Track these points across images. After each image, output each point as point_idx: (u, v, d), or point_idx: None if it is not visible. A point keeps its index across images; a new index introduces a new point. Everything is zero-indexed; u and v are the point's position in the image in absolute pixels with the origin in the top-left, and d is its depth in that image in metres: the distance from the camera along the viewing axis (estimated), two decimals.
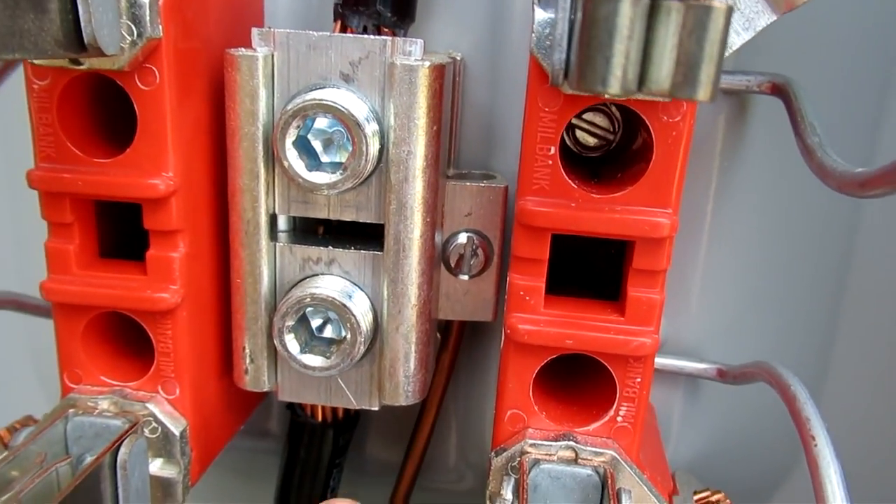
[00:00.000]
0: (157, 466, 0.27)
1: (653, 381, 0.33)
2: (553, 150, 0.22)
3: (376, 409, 0.28)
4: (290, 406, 0.33)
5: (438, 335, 0.32)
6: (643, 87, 0.16)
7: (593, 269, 0.27)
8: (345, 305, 0.26)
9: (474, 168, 0.32)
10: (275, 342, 0.27)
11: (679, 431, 0.34)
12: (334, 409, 0.33)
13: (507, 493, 0.23)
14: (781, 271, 0.32)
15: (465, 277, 0.30)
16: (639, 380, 0.24)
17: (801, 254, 0.32)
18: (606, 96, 0.17)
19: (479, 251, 0.29)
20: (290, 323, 0.26)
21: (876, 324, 0.33)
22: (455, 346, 0.32)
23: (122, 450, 0.24)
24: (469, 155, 0.32)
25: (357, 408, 0.28)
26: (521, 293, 0.24)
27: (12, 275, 0.37)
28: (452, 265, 0.29)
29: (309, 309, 0.26)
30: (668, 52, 0.16)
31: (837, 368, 0.34)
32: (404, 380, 0.27)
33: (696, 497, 0.30)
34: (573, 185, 0.23)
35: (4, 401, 0.34)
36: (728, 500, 0.30)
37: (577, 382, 0.28)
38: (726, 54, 0.19)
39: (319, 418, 0.33)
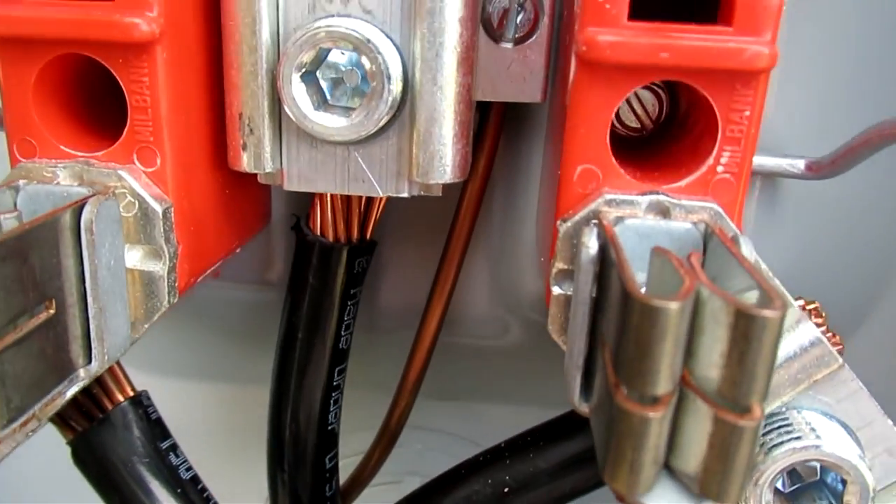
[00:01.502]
0: (135, 258, 0.21)
1: None
2: None
3: (405, 194, 0.23)
4: (296, 225, 0.28)
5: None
6: None
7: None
8: (369, 41, 0.20)
9: None
10: (281, 96, 0.21)
11: (754, 242, 0.29)
12: (348, 226, 0.27)
13: (591, 241, 0.17)
14: (875, 54, 0.27)
15: (509, 45, 0.24)
16: (747, 113, 0.19)
17: None
18: None
19: (527, 4, 0.24)
20: (303, 62, 0.21)
21: None
22: (493, 139, 0.27)
23: (87, 207, 0.19)
24: None
25: (381, 194, 0.23)
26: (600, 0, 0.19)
27: None
28: (495, 25, 0.24)
29: (323, 47, 0.21)
30: None
31: None
32: (441, 149, 0.22)
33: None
34: None
35: None
36: (824, 313, 0.25)
37: (655, 153, 0.23)
38: None
39: (331, 237, 0.27)
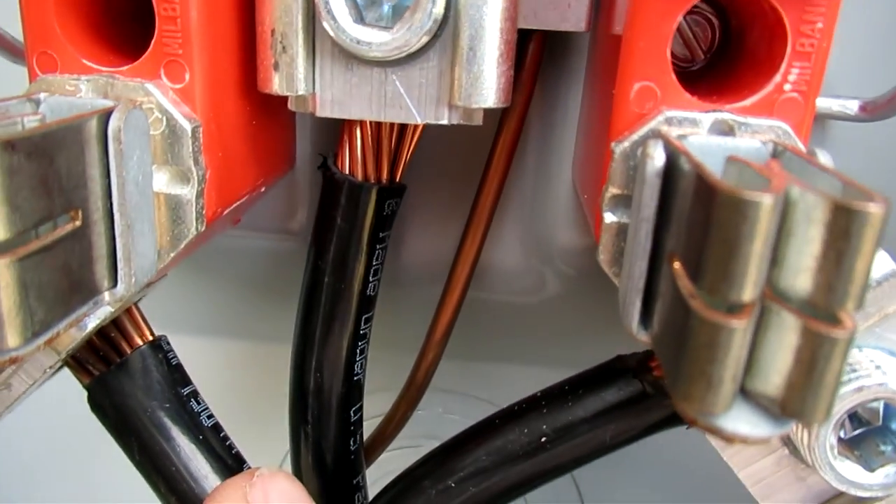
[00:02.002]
0: (162, 181, 0.20)
1: None
2: None
3: (445, 121, 0.22)
4: (323, 164, 0.27)
5: None
6: None
7: None
8: None
9: None
10: (318, 8, 0.20)
11: None
12: (378, 168, 0.26)
13: (657, 153, 0.16)
14: None
15: None
16: (820, 25, 0.18)
17: None
18: None
19: None
20: None
21: None
22: (534, 71, 0.25)
23: (115, 115, 0.17)
24: None
25: (419, 121, 0.22)
26: None
27: None
28: None
29: None
30: None
31: None
32: (485, 70, 0.20)
33: None
34: None
35: None
36: None
37: (715, 77, 0.21)
38: None
39: (360, 176, 0.26)
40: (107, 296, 0.18)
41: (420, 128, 0.26)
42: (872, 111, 0.25)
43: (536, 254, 0.31)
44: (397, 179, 0.27)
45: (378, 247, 0.27)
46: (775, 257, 0.14)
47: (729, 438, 0.14)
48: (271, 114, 0.25)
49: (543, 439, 0.24)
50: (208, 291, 0.35)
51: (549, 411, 0.24)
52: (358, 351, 0.28)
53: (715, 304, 0.13)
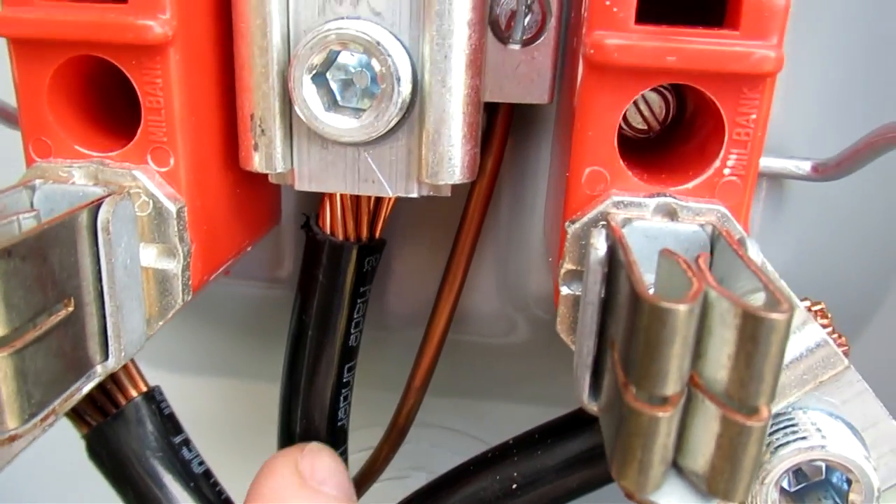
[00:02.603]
0: (150, 257, 0.22)
1: None
2: None
3: (414, 194, 0.23)
4: (306, 224, 0.28)
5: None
6: None
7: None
8: (379, 44, 0.21)
9: None
10: (292, 97, 0.21)
11: (760, 243, 0.29)
12: (357, 224, 0.28)
13: (600, 243, 0.18)
14: (878, 53, 0.27)
15: (517, 46, 0.24)
16: (754, 116, 0.19)
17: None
18: None
19: (535, 5, 0.24)
20: (313, 64, 0.21)
21: None
22: (501, 140, 0.27)
23: (104, 207, 0.19)
24: None
25: (391, 194, 0.23)
26: (608, 4, 0.19)
27: None
28: (502, 27, 0.24)
29: (333, 49, 0.21)
30: None
31: None
32: (450, 150, 0.22)
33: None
34: None
35: None
36: (829, 314, 0.25)
37: (663, 155, 0.23)
38: None
39: (341, 236, 0.28)
40: (99, 369, 0.20)
41: None
42: (823, 172, 0.26)
43: (510, 300, 0.32)
44: (377, 236, 0.28)
45: (359, 301, 0.28)
46: (699, 350, 0.15)
47: None
48: (255, 181, 0.26)
49: (514, 486, 0.26)
50: (202, 333, 0.36)
51: (520, 459, 0.26)
52: (342, 398, 0.29)
53: (642, 395, 0.15)
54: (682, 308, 0.14)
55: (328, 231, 0.28)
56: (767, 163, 0.27)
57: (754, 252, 0.18)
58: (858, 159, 0.24)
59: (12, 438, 0.17)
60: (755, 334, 0.14)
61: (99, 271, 0.19)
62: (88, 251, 0.19)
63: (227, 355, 0.37)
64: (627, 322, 0.15)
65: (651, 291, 0.14)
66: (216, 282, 0.33)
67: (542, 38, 0.24)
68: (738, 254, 0.17)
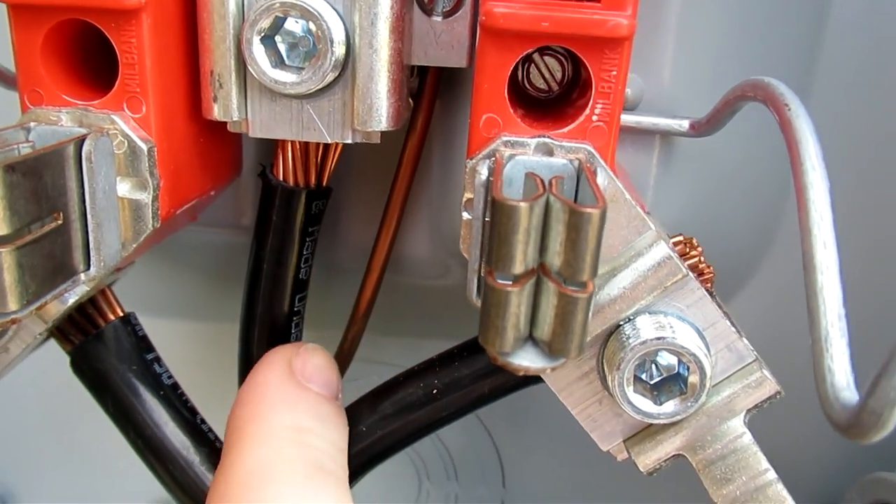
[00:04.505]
0: (125, 188, 0.26)
1: (625, 143, 0.33)
2: None
3: (349, 140, 0.28)
4: (262, 173, 0.33)
5: (413, 86, 0.31)
6: None
7: None
8: (315, 11, 0.25)
9: None
10: (244, 55, 0.26)
11: (653, 197, 0.34)
12: (306, 172, 0.32)
13: (483, 169, 0.22)
14: (759, 27, 0.32)
15: (439, 18, 0.29)
16: (614, 73, 0.24)
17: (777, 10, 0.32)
18: None
19: None
20: (262, 28, 0.25)
21: (853, 81, 0.33)
22: (430, 98, 0.31)
23: (87, 141, 0.23)
24: None
25: (329, 140, 0.28)
26: None
27: None
28: (426, 1, 0.29)
29: (279, 20, 0.25)
30: None
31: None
32: (377, 102, 0.27)
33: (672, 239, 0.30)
34: None
35: None
36: (700, 247, 0.30)
37: (556, 107, 0.28)
38: None
39: (292, 182, 0.32)
40: (82, 276, 0.24)
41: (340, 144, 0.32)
42: (698, 129, 0.31)
43: (443, 245, 0.37)
44: (324, 184, 0.33)
45: (308, 239, 0.33)
46: (544, 244, 0.20)
47: (516, 370, 0.20)
48: (217, 132, 0.31)
49: (434, 391, 0.30)
50: (171, 277, 0.41)
51: (440, 370, 0.31)
52: (293, 325, 0.34)
53: (500, 277, 0.20)
54: (523, 205, 0.19)
55: (281, 178, 0.32)
56: (655, 121, 0.32)
57: (602, 178, 0.22)
58: (722, 116, 0.29)
59: (13, 322, 0.22)
60: (577, 225, 0.19)
61: (83, 194, 0.23)
62: (74, 176, 0.23)
63: (194, 298, 0.41)
64: (490, 222, 0.20)
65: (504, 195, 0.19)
66: (185, 229, 0.37)
67: (460, 12, 0.29)
68: (587, 177, 0.22)
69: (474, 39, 0.29)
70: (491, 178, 0.22)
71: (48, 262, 0.22)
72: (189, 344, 0.43)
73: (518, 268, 0.19)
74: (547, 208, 0.19)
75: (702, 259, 0.29)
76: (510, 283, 0.19)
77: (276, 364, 0.30)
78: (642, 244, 0.25)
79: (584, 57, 0.24)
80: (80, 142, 0.23)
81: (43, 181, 0.21)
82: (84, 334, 0.31)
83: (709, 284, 0.28)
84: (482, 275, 0.20)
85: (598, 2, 0.23)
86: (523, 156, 0.24)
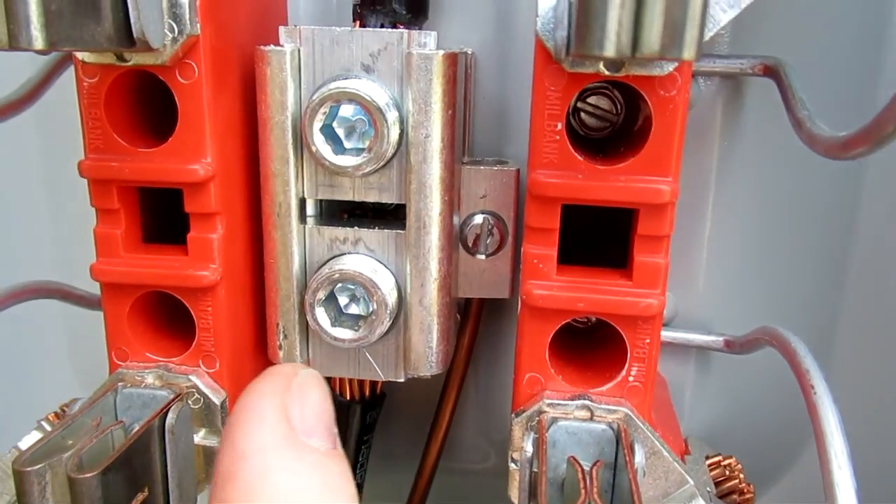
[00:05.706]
0: (200, 436, 0.28)
1: (664, 355, 0.35)
2: (560, 126, 0.24)
3: (402, 380, 0.30)
4: None
5: (458, 316, 0.34)
6: (636, 51, 0.18)
7: (603, 243, 0.29)
8: (371, 280, 0.28)
9: (487, 156, 0.33)
10: (307, 317, 0.28)
11: (692, 405, 0.35)
12: (361, 387, 0.35)
13: (528, 446, 0.24)
14: (785, 243, 0.34)
15: (482, 257, 0.31)
16: (648, 340, 0.26)
17: (803, 227, 0.34)
18: (604, 61, 0.19)
19: (495, 230, 0.31)
20: (321, 298, 0.28)
21: (881, 292, 0.34)
22: (475, 323, 0.34)
23: (170, 415, 0.26)
24: (482, 144, 0.34)
25: (384, 379, 0.30)
26: (535, 261, 0.26)
27: (51, 269, 0.39)
28: (470, 245, 0.31)
29: (338, 285, 0.28)
30: (657, 16, 0.17)
31: (844, 336, 0.35)
32: (427, 350, 0.29)
33: (708, 461, 0.31)
34: (579, 157, 0.25)
35: (42, 390, 0.36)
36: (739, 466, 0.31)
37: (592, 350, 0.29)
38: (715, 30, 0.21)
39: (348, 396, 0.34)
40: None
41: None
42: (733, 347, 0.33)
43: (486, 436, 0.39)
44: (378, 392, 0.35)
45: (363, 447, 0.35)
46: None
47: None
48: None
49: None
50: None
51: None
52: None
53: None
54: None
55: (337, 391, 0.34)
56: (691, 337, 0.34)
57: (639, 455, 0.24)
58: (755, 346, 0.31)
59: None
60: None
61: (164, 460, 0.26)
62: (158, 448, 0.26)
63: None
64: None
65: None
66: None
67: (500, 252, 0.31)
68: (626, 459, 0.23)
69: (515, 274, 0.32)
70: (536, 458, 0.24)
71: None
72: None
73: None
74: None
75: (741, 479, 0.31)
76: None
77: (269, 417, 0.22)
78: (682, 497, 0.26)
79: (619, 327, 0.26)
80: (164, 415, 0.26)
81: (133, 467, 0.24)
82: None
83: None
84: None
85: (630, 280, 0.25)
86: (565, 420, 0.26)
